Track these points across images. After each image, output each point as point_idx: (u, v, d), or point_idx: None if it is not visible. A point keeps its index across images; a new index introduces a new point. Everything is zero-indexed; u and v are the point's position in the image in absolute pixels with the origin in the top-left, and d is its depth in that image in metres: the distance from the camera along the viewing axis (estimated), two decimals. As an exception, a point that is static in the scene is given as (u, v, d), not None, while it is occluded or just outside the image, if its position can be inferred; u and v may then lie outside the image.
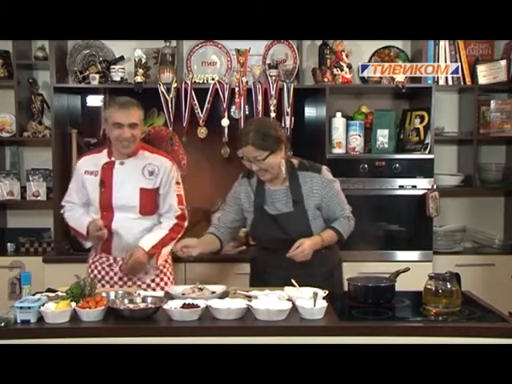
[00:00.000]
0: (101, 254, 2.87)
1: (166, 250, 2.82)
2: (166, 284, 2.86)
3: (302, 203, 2.61)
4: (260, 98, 3.67)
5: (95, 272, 2.87)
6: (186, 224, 2.89)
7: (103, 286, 2.80)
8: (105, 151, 2.89)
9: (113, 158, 2.84)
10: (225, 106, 3.70)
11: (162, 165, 2.84)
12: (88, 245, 2.90)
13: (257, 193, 2.69)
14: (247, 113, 3.79)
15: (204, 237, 2.74)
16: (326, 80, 3.72)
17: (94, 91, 3.92)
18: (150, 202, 2.82)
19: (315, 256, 2.57)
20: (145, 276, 2.82)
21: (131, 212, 2.79)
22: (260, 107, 3.67)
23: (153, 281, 2.84)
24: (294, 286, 2.38)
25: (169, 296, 2.39)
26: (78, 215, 2.87)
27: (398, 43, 4.02)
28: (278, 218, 2.62)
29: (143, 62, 3.80)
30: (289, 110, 3.69)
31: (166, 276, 2.90)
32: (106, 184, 2.80)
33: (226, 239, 2.80)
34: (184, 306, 2.19)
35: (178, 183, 2.89)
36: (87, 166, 2.87)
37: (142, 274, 2.82)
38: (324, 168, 2.69)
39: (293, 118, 3.72)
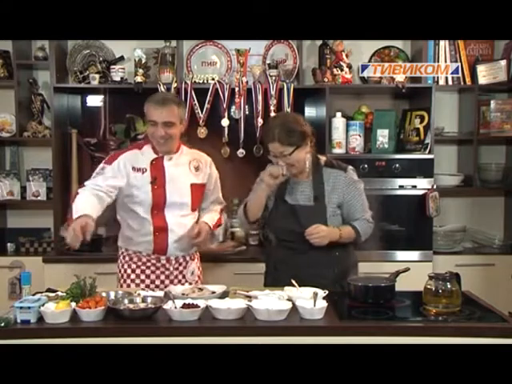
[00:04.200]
0: (149, 256, 2.78)
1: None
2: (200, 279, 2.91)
3: (322, 200, 2.61)
4: (260, 98, 3.67)
5: (142, 277, 2.77)
6: None
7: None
8: (146, 147, 2.78)
9: (160, 154, 2.75)
10: (225, 105, 3.70)
11: (206, 161, 2.87)
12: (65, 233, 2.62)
13: (280, 183, 2.64)
14: (247, 113, 3.79)
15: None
16: (326, 80, 3.72)
17: (94, 91, 3.92)
18: (199, 197, 2.83)
19: (328, 257, 2.59)
20: (191, 276, 2.84)
21: (182, 209, 2.75)
22: (260, 107, 3.67)
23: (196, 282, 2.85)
24: (294, 285, 2.38)
25: (169, 296, 2.39)
26: (86, 199, 2.59)
27: (398, 43, 4.02)
28: (296, 210, 2.61)
29: (143, 62, 3.81)
30: (289, 110, 3.69)
31: (199, 278, 2.91)
32: (158, 182, 2.71)
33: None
34: (184, 306, 2.19)
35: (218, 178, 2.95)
36: (135, 162, 2.73)
37: (190, 274, 2.85)
38: (350, 168, 2.71)
39: (293, 118, 3.72)
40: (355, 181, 2.68)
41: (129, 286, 2.77)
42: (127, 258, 2.82)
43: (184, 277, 2.82)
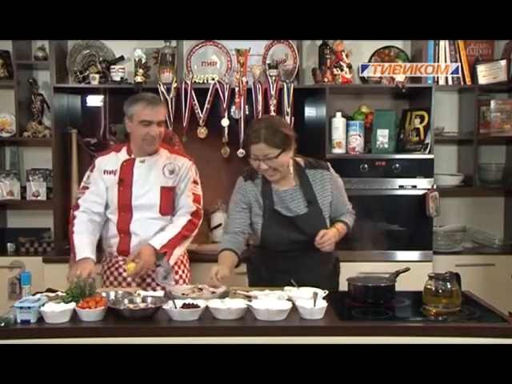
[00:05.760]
0: (117, 257, 2.78)
1: (179, 250, 2.73)
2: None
3: (316, 203, 2.58)
4: (260, 98, 3.67)
5: (111, 278, 2.79)
6: (199, 222, 2.83)
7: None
8: (124, 149, 2.81)
9: (133, 156, 2.77)
10: (225, 106, 3.70)
11: (183, 164, 2.81)
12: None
13: (264, 194, 2.59)
14: (247, 113, 3.80)
15: (227, 258, 2.54)
16: (326, 80, 3.72)
17: (94, 91, 3.92)
18: (169, 201, 2.77)
19: (319, 255, 2.56)
20: (164, 281, 2.72)
21: (150, 211, 2.72)
22: (260, 107, 3.67)
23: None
24: (294, 285, 2.38)
25: (169, 296, 2.38)
26: (83, 231, 2.70)
27: (398, 43, 4.02)
28: (294, 220, 2.56)
29: (143, 62, 3.81)
30: (289, 109, 3.69)
31: (181, 279, 2.82)
32: (125, 182, 2.72)
33: (243, 248, 2.65)
34: (184, 306, 2.19)
35: (195, 182, 2.84)
36: (107, 165, 2.78)
37: (161, 279, 2.73)
38: (329, 164, 2.69)
39: (293, 118, 3.72)
40: (337, 176, 2.68)
41: (102, 286, 2.80)
42: (104, 258, 2.87)
43: (153, 280, 2.75)
